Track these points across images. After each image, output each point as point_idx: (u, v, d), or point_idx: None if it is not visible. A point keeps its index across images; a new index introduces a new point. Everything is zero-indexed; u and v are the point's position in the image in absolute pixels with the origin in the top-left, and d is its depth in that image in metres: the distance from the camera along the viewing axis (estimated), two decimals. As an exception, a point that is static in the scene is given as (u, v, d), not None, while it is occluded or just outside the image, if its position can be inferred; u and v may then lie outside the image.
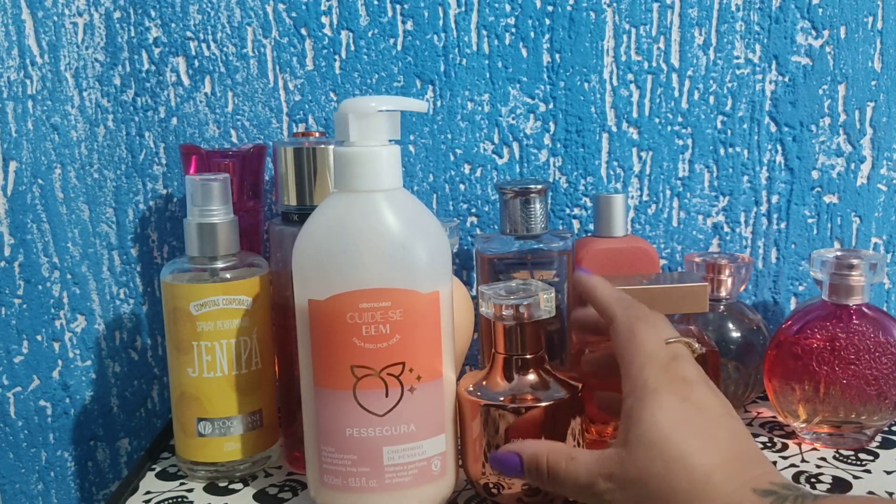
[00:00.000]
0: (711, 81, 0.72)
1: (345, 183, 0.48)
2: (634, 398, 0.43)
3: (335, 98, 0.72)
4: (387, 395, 0.48)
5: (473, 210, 0.74)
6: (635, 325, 0.46)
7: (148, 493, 0.56)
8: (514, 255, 0.62)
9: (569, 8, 0.71)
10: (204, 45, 0.70)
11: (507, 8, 0.71)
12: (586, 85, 0.72)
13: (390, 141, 0.48)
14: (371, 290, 0.47)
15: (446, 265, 0.50)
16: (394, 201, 0.48)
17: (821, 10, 0.71)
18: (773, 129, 0.73)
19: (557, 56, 0.72)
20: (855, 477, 0.54)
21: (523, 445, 0.46)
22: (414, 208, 0.49)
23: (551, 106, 0.72)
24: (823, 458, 0.57)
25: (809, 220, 0.74)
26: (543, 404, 0.49)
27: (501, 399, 0.49)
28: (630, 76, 0.72)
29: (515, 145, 0.73)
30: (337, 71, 0.71)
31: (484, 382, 0.51)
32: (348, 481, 0.49)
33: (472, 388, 0.51)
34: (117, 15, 0.70)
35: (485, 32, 0.71)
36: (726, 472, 0.39)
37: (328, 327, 0.47)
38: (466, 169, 0.73)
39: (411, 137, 0.72)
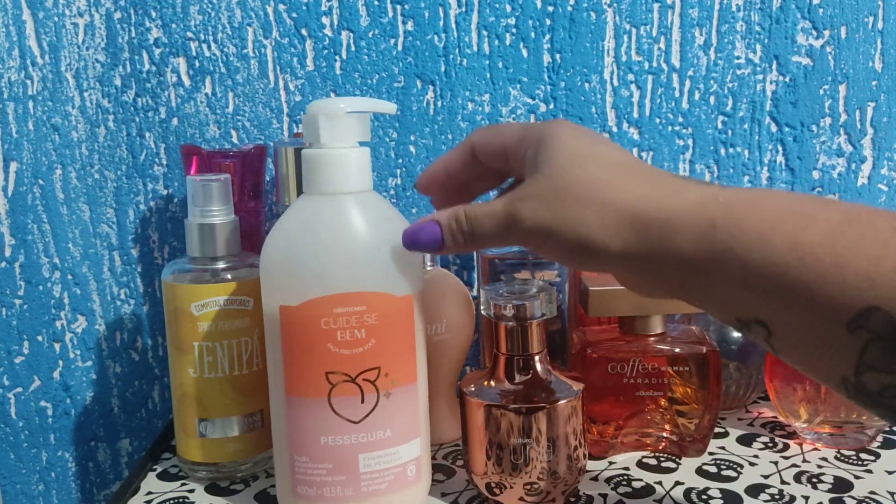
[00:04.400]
0: (712, 81, 0.72)
1: (314, 186, 0.47)
2: (541, 143, 0.41)
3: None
4: (362, 401, 0.47)
5: (474, 210, 0.74)
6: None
7: (149, 493, 0.56)
8: (515, 255, 0.62)
9: (569, 8, 0.71)
10: (204, 46, 0.70)
11: (508, 8, 0.71)
12: (587, 85, 0.72)
13: (360, 143, 0.48)
14: (346, 295, 0.46)
15: (418, 268, 0.49)
16: (365, 204, 0.47)
17: (821, 10, 0.71)
18: (773, 129, 0.73)
19: (558, 56, 0.72)
20: (856, 477, 0.54)
21: (436, 215, 0.44)
22: (385, 211, 0.48)
23: (552, 106, 0.72)
24: (825, 459, 0.57)
25: (810, 221, 0.74)
26: (545, 404, 0.49)
27: (503, 399, 0.49)
28: (631, 76, 0.72)
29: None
30: (337, 71, 0.71)
31: (486, 383, 0.51)
32: (323, 491, 0.48)
33: (473, 389, 0.51)
34: (118, 15, 0.70)
35: (485, 33, 0.71)
36: (644, 165, 0.40)
37: (301, 333, 0.47)
38: (467, 169, 0.73)
39: (412, 138, 0.72)
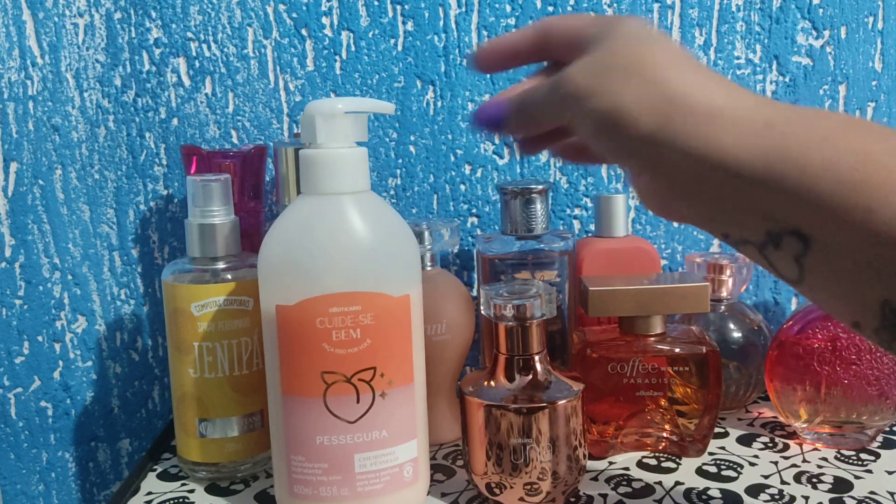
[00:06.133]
0: (712, 82, 0.72)
1: (311, 186, 0.47)
2: (602, 27, 0.38)
3: (336, 99, 0.72)
4: (358, 401, 0.47)
5: (474, 210, 0.74)
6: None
7: (149, 493, 0.56)
8: (515, 255, 0.62)
9: (569, 8, 0.71)
10: (204, 46, 0.70)
11: (508, 8, 0.71)
12: (587, 85, 0.72)
13: (357, 143, 0.48)
14: (341, 295, 0.46)
15: (416, 269, 0.49)
16: (362, 204, 0.47)
17: (821, 10, 0.71)
18: (773, 129, 0.73)
19: (558, 56, 0.72)
20: (856, 477, 0.54)
21: (503, 93, 0.42)
22: (382, 211, 0.49)
23: (552, 106, 0.72)
24: (825, 459, 0.57)
25: (810, 221, 0.74)
26: (545, 404, 0.49)
27: (503, 399, 0.49)
28: (631, 76, 0.72)
29: (516, 146, 0.73)
30: (337, 71, 0.71)
31: (486, 383, 0.51)
32: (319, 490, 0.48)
33: (473, 389, 0.51)
34: (118, 16, 0.70)
35: (485, 33, 0.71)
36: (707, 67, 0.36)
37: (297, 333, 0.47)
38: (467, 169, 0.73)
39: (412, 138, 0.72)
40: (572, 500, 0.52)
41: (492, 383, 0.51)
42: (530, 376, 0.50)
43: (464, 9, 0.71)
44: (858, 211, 0.30)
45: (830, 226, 0.31)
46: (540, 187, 0.62)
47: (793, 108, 0.33)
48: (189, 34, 0.70)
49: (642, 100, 0.35)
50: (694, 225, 0.37)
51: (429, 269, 0.60)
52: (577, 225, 0.74)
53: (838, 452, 0.58)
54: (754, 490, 0.52)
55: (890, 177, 0.30)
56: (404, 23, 0.71)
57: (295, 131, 0.72)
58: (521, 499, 0.50)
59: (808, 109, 0.33)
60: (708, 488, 0.53)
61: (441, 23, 0.71)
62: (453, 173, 0.73)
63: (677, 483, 0.54)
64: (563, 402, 0.49)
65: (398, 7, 0.71)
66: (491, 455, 0.50)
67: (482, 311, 0.52)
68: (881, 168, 0.30)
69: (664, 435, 0.58)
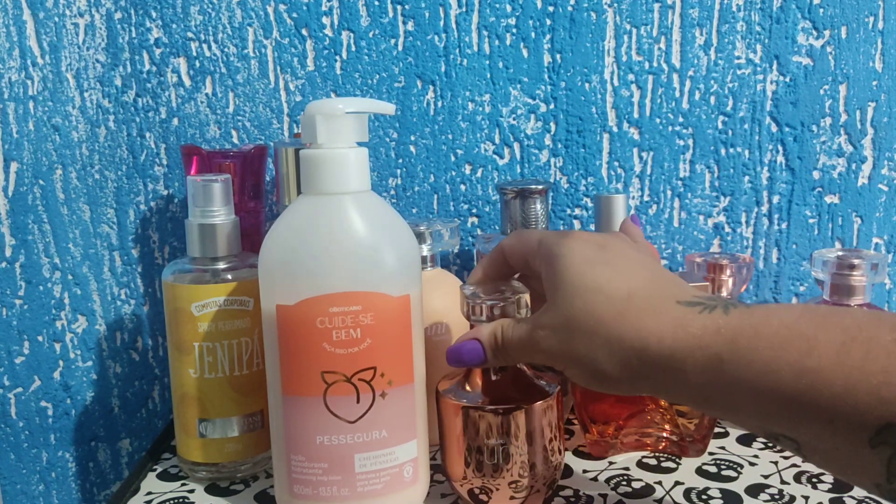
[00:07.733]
0: (712, 82, 0.72)
1: (312, 186, 0.47)
2: (548, 265, 0.44)
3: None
4: (358, 401, 0.47)
5: (474, 210, 0.74)
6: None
7: (149, 493, 0.56)
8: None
9: (570, 8, 0.71)
10: (205, 46, 0.70)
11: (508, 8, 0.71)
12: (587, 85, 0.72)
13: (358, 143, 0.48)
14: (341, 294, 0.46)
15: (416, 269, 0.49)
16: (362, 204, 0.47)
17: (822, 10, 0.71)
18: (774, 129, 0.73)
19: (558, 56, 0.72)
20: (856, 477, 0.54)
21: (476, 331, 0.47)
22: (383, 211, 0.49)
23: (552, 106, 0.72)
24: (825, 459, 0.57)
25: (810, 221, 0.74)
26: (522, 405, 0.48)
27: (480, 401, 0.49)
28: (631, 76, 0.72)
29: (516, 146, 0.73)
30: (338, 71, 0.71)
31: (462, 384, 0.50)
32: (319, 490, 0.48)
33: (450, 390, 0.50)
34: (118, 16, 0.70)
35: (485, 33, 0.71)
36: (646, 292, 0.40)
37: (297, 333, 0.47)
38: (467, 169, 0.73)
39: (412, 138, 0.72)
40: (573, 500, 0.52)
41: (469, 385, 0.50)
42: (507, 377, 0.50)
43: (464, 9, 0.71)
44: (819, 422, 0.34)
45: (804, 433, 0.35)
46: (540, 187, 0.62)
47: (737, 326, 0.37)
48: (189, 34, 0.70)
49: (612, 360, 0.40)
50: None
51: (429, 269, 0.60)
52: (577, 225, 0.74)
53: (838, 452, 0.58)
54: (754, 490, 0.52)
55: (833, 391, 0.33)
56: (404, 23, 0.71)
57: (295, 131, 0.72)
58: (512, 497, 0.49)
59: (748, 323, 0.37)
60: (708, 488, 0.53)
61: (441, 23, 0.71)
62: (453, 173, 0.73)
63: (677, 483, 0.54)
64: (540, 401, 0.48)
65: (398, 7, 0.71)
66: (470, 460, 0.49)
67: (461, 311, 0.51)
68: (824, 385, 0.34)
69: (664, 435, 0.58)
